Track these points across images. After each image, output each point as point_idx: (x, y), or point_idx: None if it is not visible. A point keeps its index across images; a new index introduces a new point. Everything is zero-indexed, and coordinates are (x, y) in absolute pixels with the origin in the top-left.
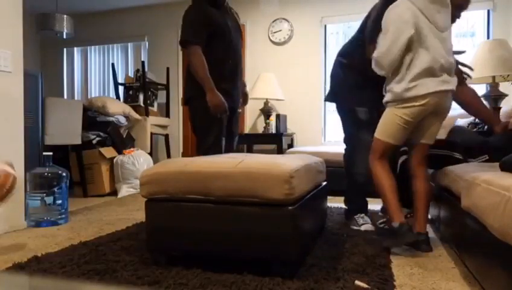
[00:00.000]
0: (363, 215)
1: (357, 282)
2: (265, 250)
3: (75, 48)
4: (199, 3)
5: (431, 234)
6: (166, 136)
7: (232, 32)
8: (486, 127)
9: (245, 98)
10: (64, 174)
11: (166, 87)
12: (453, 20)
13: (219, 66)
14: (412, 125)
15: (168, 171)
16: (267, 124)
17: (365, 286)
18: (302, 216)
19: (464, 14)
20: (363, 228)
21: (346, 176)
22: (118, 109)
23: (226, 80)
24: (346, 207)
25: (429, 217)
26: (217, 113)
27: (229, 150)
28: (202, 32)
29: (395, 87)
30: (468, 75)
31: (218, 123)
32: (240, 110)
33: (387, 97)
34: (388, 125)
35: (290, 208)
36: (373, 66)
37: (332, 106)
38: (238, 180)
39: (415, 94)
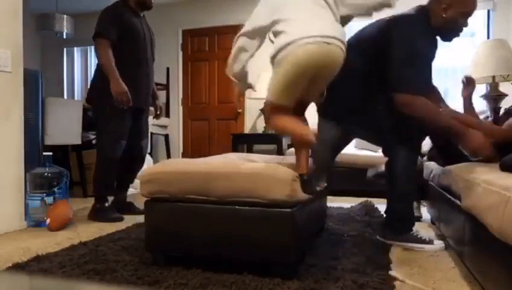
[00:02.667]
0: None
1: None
2: (265, 251)
3: (75, 48)
4: (118, 5)
5: (431, 234)
6: (166, 136)
7: (145, 42)
8: None
9: (157, 109)
10: (64, 174)
11: (166, 87)
12: (460, 30)
13: (127, 66)
14: None
15: (170, 171)
16: (267, 124)
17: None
18: (303, 217)
19: None
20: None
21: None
22: None
23: (132, 82)
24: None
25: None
26: (120, 101)
27: (137, 150)
28: (114, 30)
29: None
30: None
31: (119, 123)
32: (240, 110)
33: None
34: None
35: (291, 209)
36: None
37: None
38: (240, 181)
39: None
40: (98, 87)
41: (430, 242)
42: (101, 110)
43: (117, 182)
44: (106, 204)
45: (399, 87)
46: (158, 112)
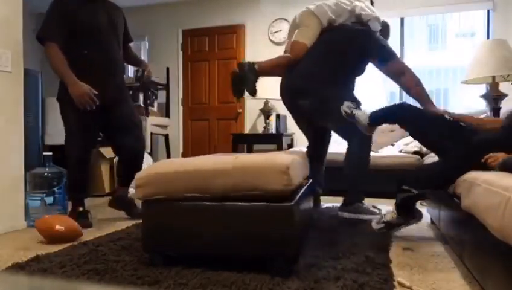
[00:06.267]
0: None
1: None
2: (265, 246)
3: None
4: None
5: (431, 234)
6: (166, 136)
7: (103, 30)
8: None
9: (140, 65)
10: (64, 174)
11: (166, 87)
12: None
13: (85, 64)
14: None
15: (165, 172)
16: (267, 124)
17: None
18: (300, 212)
19: (464, 14)
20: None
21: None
22: None
23: (93, 79)
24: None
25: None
26: (83, 104)
27: (125, 148)
28: (61, 29)
29: None
30: None
31: (72, 117)
32: (240, 110)
33: None
34: None
35: (289, 203)
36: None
37: None
38: (238, 176)
39: None
40: (60, 90)
41: (379, 214)
42: (61, 108)
43: (119, 177)
44: (80, 208)
45: (391, 59)
46: (143, 69)
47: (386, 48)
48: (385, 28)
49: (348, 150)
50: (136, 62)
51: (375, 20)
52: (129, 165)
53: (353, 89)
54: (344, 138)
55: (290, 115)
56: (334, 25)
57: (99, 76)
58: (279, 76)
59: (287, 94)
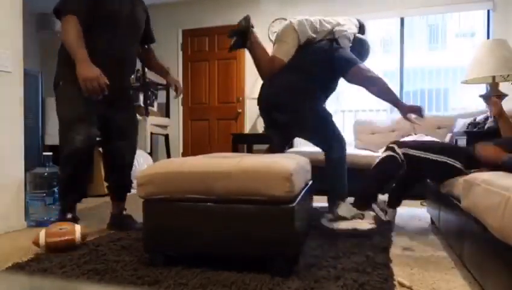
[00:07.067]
0: None
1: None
2: (266, 246)
3: None
4: None
5: (431, 233)
6: (166, 136)
7: (122, 21)
8: (486, 126)
9: (171, 84)
10: None
11: (166, 87)
12: None
13: (96, 56)
14: None
15: (167, 171)
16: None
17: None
18: (300, 213)
19: (464, 14)
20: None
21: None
22: None
23: (104, 67)
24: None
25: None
26: (89, 89)
27: (114, 152)
28: (82, 6)
29: None
30: None
31: (72, 103)
32: (240, 110)
33: None
34: None
35: (290, 205)
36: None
37: (332, 106)
38: (240, 179)
39: None
40: (63, 73)
41: (361, 218)
42: (59, 92)
43: (109, 192)
44: (69, 215)
45: (350, 66)
46: (174, 87)
47: (344, 57)
48: (361, 27)
49: (327, 157)
50: (159, 69)
51: (344, 37)
52: (120, 173)
53: (324, 103)
54: (321, 148)
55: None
56: (313, 41)
57: (108, 70)
58: (256, 64)
59: (263, 107)
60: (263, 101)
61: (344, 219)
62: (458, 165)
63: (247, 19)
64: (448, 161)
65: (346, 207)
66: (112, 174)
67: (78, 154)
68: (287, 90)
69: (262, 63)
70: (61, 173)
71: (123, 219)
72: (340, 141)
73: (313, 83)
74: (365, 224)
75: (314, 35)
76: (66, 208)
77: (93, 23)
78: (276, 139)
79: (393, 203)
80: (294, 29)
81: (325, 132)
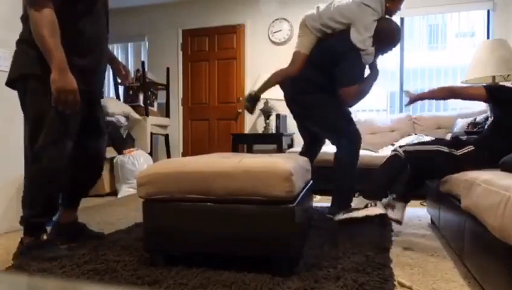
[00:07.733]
0: None
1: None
2: (266, 247)
3: None
4: None
5: (431, 234)
6: (166, 136)
7: (98, 5)
8: (486, 126)
9: (125, 71)
10: None
11: (166, 87)
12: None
13: (74, 37)
14: None
15: (168, 171)
16: (267, 124)
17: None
18: (300, 213)
19: (464, 14)
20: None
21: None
22: (117, 109)
23: (82, 55)
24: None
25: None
26: (62, 104)
27: (93, 151)
28: None
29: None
30: None
31: (72, 125)
32: (240, 110)
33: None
34: None
35: (290, 205)
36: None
37: None
38: (240, 179)
39: None
40: (29, 64)
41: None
42: (29, 91)
43: (64, 197)
44: (44, 236)
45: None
46: (123, 72)
47: (346, 73)
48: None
49: (335, 154)
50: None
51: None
52: (83, 176)
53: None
54: (332, 142)
55: (291, 115)
56: (328, 33)
57: (87, 58)
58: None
59: (287, 95)
60: (286, 89)
61: (357, 209)
62: (445, 149)
63: (250, 101)
64: (439, 148)
65: (357, 201)
66: (81, 178)
67: (62, 173)
68: (303, 80)
69: (276, 81)
70: (37, 190)
71: (77, 226)
72: (351, 140)
73: (331, 76)
74: (377, 209)
75: (325, 29)
76: (42, 227)
77: (70, 4)
78: (307, 139)
79: (402, 196)
80: (305, 25)
81: (334, 125)
